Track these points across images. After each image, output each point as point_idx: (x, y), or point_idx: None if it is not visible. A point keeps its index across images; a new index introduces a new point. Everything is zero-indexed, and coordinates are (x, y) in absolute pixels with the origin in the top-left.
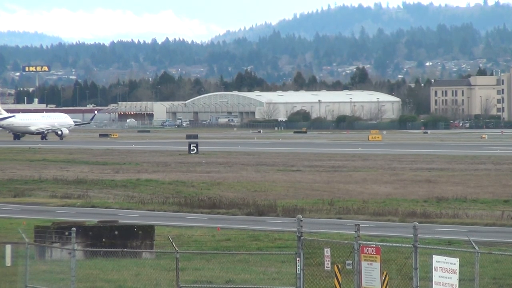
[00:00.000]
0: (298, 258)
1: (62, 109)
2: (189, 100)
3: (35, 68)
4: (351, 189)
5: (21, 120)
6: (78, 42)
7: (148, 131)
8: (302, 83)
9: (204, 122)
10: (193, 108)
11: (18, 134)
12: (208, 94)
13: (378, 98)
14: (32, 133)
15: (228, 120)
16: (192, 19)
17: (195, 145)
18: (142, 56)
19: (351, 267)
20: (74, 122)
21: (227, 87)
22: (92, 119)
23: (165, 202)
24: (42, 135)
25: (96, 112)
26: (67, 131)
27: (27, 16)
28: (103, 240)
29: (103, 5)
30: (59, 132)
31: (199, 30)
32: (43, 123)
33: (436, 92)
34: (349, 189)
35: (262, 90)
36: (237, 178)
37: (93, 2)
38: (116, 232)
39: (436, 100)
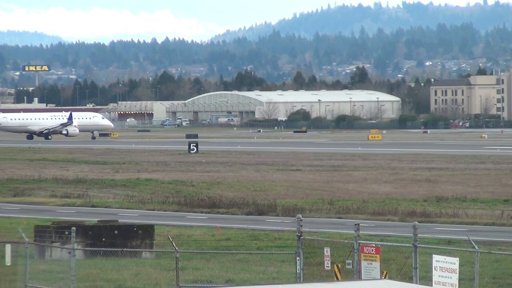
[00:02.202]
0: (298, 258)
1: (61, 109)
2: (189, 100)
3: (35, 68)
4: (351, 189)
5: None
6: (77, 42)
7: (148, 131)
8: (302, 82)
9: (204, 122)
10: (193, 108)
11: (31, 134)
12: (208, 94)
13: (378, 98)
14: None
15: (228, 119)
16: (190, 18)
17: (195, 144)
18: (142, 55)
19: (351, 266)
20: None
21: (227, 86)
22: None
23: (165, 202)
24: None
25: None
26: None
27: (26, 15)
28: (103, 239)
29: (99, 4)
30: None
31: (197, 29)
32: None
33: (436, 92)
34: (349, 188)
35: (262, 90)
36: (237, 177)
37: (89, 1)
38: (116, 232)
39: (436, 100)
